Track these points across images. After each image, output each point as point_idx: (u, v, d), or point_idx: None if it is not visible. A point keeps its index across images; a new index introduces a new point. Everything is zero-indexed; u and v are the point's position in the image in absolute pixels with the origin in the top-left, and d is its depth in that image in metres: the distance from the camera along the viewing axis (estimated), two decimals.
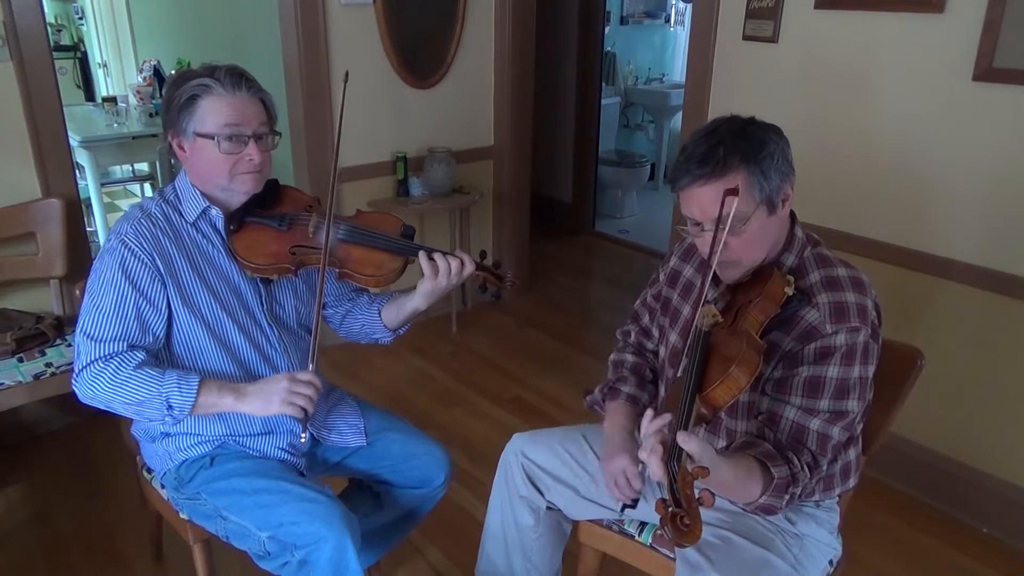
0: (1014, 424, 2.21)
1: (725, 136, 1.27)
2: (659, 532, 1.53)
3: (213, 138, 1.43)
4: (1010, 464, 2.24)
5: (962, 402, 2.31)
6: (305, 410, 1.41)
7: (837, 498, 1.48)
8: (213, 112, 1.43)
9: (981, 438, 2.29)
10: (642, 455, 1.10)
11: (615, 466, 1.45)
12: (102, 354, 1.38)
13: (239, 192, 1.50)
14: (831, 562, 1.48)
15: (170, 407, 1.38)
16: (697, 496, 1.03)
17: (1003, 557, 2.20)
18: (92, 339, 1.39)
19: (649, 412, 1.16)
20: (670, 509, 1.02)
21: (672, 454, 1.06)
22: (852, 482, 1.47)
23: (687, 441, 1.05)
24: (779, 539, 1.39)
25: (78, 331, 1.41)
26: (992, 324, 2.20)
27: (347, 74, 1.77)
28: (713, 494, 1.03)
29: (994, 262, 2.16)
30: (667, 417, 1.12)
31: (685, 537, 1.00)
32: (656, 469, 1.07)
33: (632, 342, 1.69)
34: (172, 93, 1.46)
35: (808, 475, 1.27)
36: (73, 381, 1.39)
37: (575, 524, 1.67)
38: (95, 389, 1.38)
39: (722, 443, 1.45)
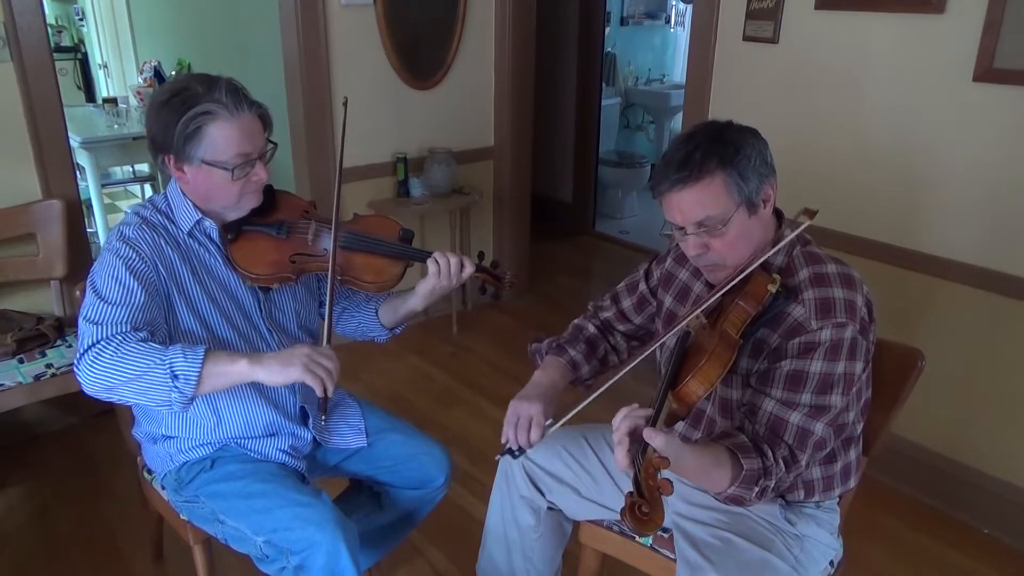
0: (1014, 424, 2.21)
1: (702, 141, 1.29)
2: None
3: (225, 167, 1.39)
4: (1011, 464, 2.24)
5: (962, 402, 2.31)
6: (324, 383, 1.33)
7: (837, 499, 1.49)
8: (223, 139, 1.38)
9: (981, 438, 2.29)
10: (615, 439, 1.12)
11: (525, 409, 1.43)
12: (105, 335, 1.28)
13: (244, 210, 1.49)
14: (831, 563, 1.48)
15: (175, 376, 1.25)
16: (658, 485, 1.05)
17: (1004, 558, 2.20)
18: (95, 322, 1.30)
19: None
20: (631, 499, 1.04)
21: (639, 448, 1.09)
22: (852, 483, 1.47)
23: (653, 437, 1.07)
24: (779, 540, 1.40)
25: (80, 319, 1.33)
26: (992, 325, 2.20)
27: (346, 99, 1.72)
28: (671, 483, 1.05)
29: (994, 263, 2.16)
30: (644, 412, 1.14)
31: (644, 526, 1.02)
32: (622, 459, 1.10)
33: (602, 317, 1.69)
34: (168, 118, 1.37)
35: (784, 469, 1.26)
36: (75, 368, 1.28)
37: (576, 524, 1.67)
38: (97, 369, 1.26)
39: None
